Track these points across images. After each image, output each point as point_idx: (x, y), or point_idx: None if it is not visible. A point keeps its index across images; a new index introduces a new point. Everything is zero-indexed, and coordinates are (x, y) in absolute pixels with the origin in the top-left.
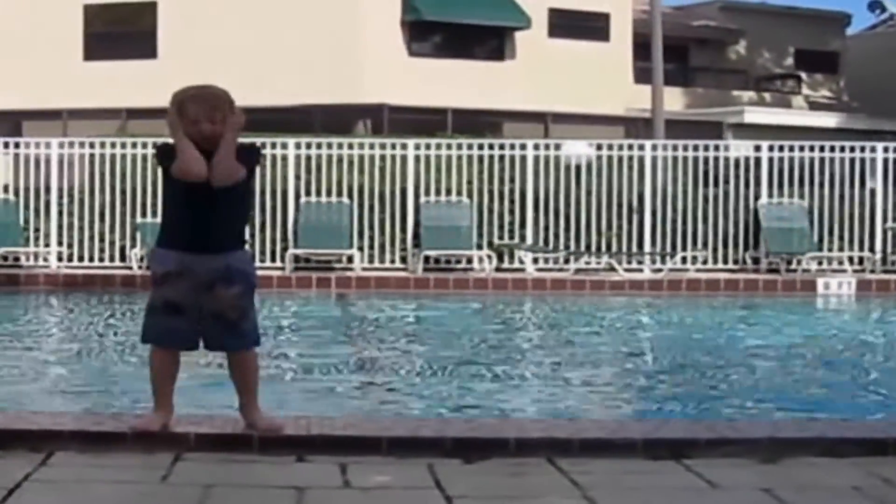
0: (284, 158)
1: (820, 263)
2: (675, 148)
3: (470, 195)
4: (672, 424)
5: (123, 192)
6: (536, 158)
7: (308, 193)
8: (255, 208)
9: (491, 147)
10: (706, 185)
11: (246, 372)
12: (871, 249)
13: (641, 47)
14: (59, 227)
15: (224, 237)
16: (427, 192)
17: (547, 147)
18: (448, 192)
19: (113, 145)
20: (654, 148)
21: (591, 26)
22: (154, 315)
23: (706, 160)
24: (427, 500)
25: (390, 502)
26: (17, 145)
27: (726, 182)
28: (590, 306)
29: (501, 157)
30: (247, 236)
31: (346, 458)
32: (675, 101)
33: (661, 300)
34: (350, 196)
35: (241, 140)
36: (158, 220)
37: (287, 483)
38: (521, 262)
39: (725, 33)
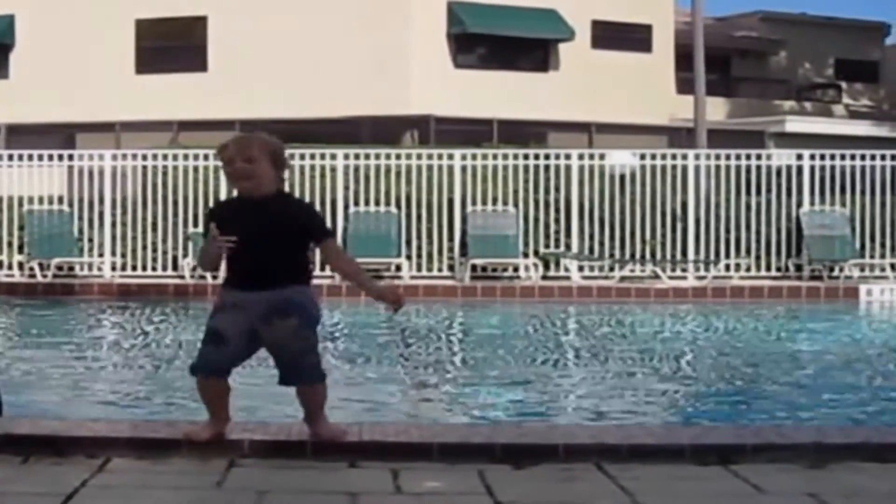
0: (333, 169)
1: (862, 270)
2: (717, 157)
3: (516, 204)
4: (719, 430)
5: (175, 203)
6: (581, 168)
7: (356, 203)
8: None
9: (536, 157)
10: (749, 193)
11: (311, 401)
12: None
13: (684, 58)
14: (113, 237)
15: (280, 274)
16: (473, 202)
17: (591, 157)
18: (494, 201)
19: (165, 157)
20: (697, 157)
21: (634, 38)
22: (202, 344)
23: (748, 169)
24: None
25: None
26: (71, 157)
27: (769, 190)
28: (638, 314)
29: (547, 167)
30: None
31: (398, 464)
32: (717, 110)
33: (705, 307)
34: (398, 206)
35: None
36: None
37: (340, 489)
38: (567, 270)
39: (766, 44)
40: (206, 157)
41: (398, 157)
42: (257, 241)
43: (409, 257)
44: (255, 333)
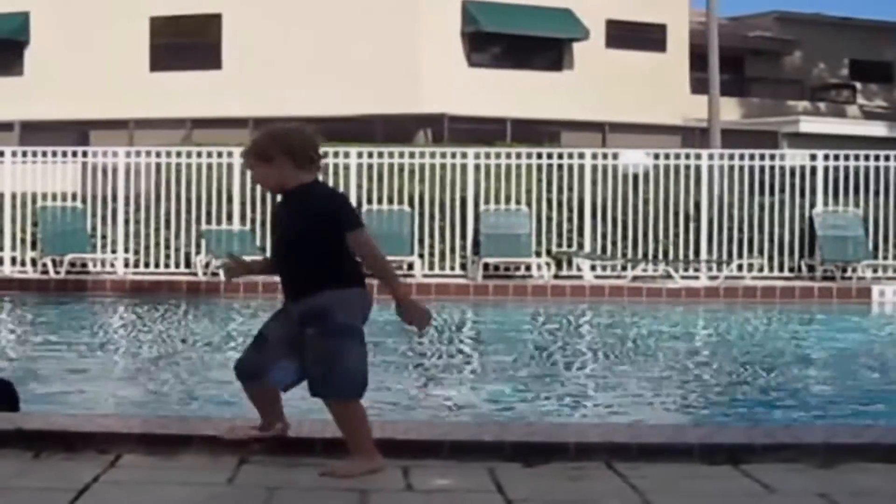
0: (346, 167)
1: (875, 271)
2: (731, 157)
3: (529, 203)
4: (729, 429)
5: (188, 200)
6: (594, 167)
7: (370, 201)
8: None
9: (549, 156)
10: (762, 193)
11: (335, 421)
12: None
13: (698, 58)
14: (126, 234)
15: (309, 282)
16: (486, 201)
17: (605, 156)
18: (507, 200)
19: (178, 154)
20: (711, 157)
21: (649, 37)
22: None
23: (762, 169)
24: None
25: None
26: (84, 154)
27: (782, 191)
28: (650, 313)
29: (560, 166)
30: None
31: (409, 462)
32: (731, 111)
33: (717, 307)
34: (411, 204)
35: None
36: (223, 227)
37: (350, 486)
38: (579, 269)
39: (781, 44)
40: (219, 155)
41: (411, 155)
42: (280, 245)
43: (421, 256)
44: (300, 340)
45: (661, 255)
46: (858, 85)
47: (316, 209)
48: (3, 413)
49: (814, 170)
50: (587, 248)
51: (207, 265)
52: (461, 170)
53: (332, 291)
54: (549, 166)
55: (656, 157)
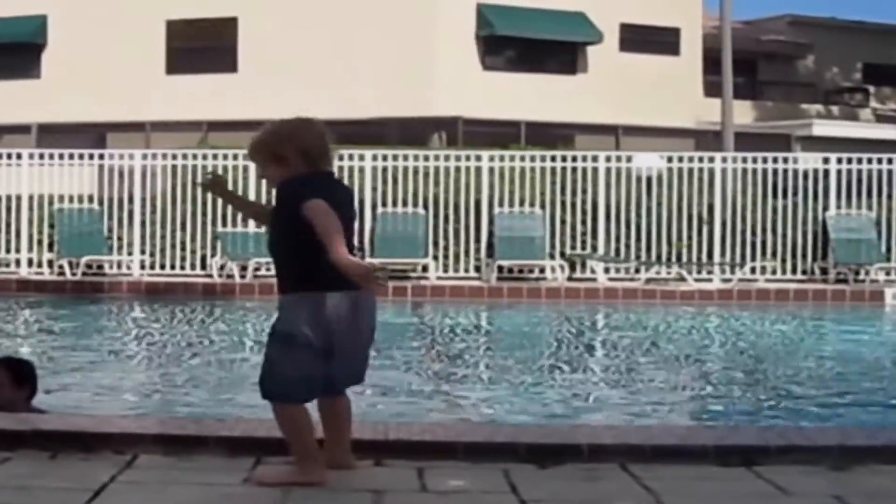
0: (361, 170)
1: (888, 274)
2: (744, 160)
3: (543, 206)
4: (743, 431)
5: (204, 203)
6: (608, 170)
7: (384, 204)
8: None
9: (563, 159)
10: (775, 196)
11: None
12: None
13: (711, 61)
14: (142, 235)
15: (279, 280)
16: (501, 203)
17: (618, 159)
18: (521, 203)
19: (194, 156)
20: (724, 160)
21: (662, 41)
22: None
23: (775, 172)
24: None
25: None
26: (101, 156)
27: (795, 194)
28: (665, 315)
29: (574, 169)
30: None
31: (423, 463)
32: (744, 114)
33: (731, 310)
34: (425, 207)
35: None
36: (238, 229)
37: (365, 487)
38: (593, 271)
39: (794, 47)
40: (234, 157)
41: (426, 158)
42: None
43: (436, 258)
44: None
45: (674, 258)
46: (871, 88)
47: (277, 202)
48: (20, 414)
49: (827, 173)
50: (601, 250)
51: (223, 267)
52: (475, 172)
53: (283, 296)
54: (563, 169)
55: (669, 159)
